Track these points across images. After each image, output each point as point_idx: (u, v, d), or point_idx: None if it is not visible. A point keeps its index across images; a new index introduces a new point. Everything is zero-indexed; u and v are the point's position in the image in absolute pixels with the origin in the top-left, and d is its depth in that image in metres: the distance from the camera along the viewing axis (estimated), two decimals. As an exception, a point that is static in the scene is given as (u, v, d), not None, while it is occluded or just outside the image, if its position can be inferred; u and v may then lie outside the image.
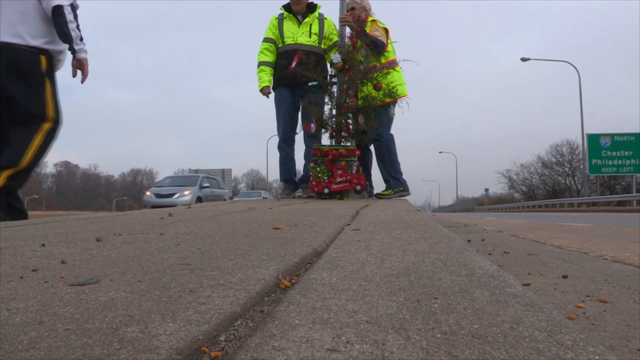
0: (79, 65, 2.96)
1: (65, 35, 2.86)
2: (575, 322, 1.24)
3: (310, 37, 4.50)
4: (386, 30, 4.55)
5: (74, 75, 3.00)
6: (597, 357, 0.57)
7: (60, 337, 0.61)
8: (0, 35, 2.73)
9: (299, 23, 4.55)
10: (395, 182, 4.65)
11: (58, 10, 2.77)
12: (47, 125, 2.93)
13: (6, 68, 2.79)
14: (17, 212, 2.83)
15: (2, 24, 2.74)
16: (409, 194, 4.78)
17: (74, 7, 2.85)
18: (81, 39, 2.89)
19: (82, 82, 3.05)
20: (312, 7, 4.61)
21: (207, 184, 15.53)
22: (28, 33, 2.80)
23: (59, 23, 2.83)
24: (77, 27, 2.84)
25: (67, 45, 2.94)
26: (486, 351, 0.58)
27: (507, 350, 0.58)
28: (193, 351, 0.60)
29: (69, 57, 3.03)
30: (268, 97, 4.58)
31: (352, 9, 4.58)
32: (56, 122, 2.98)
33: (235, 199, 23.52)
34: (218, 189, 16.47)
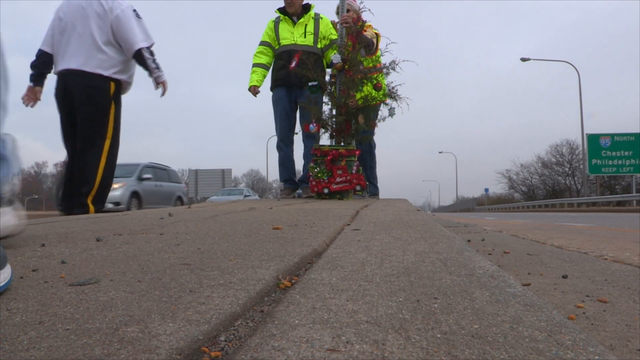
0: (161, 85, 3.64)
1: (146, 69, 3.56)
2: (575, 322, 1.24)
3: (305, 37, 4.53)
4: (377, 35, 4.59)
5: (156, 88, 3.65)
6: (597, 357, 0.57)
7: (60, 337, 0.61)
8: (81, 65, 3.42)
9: (294, 24, 4.58)
10: (373, 187, 4.99)
11: (138, 52, 3.48)
12: (107, 143, 3.51)
13: (81, 91, 3.44)
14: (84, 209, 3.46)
15: (83, 57, 3.42)
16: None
17: (149, 48, 3.52)
18: (158, 68, 3.56)
19: (162, 96, 3.69)
20: (307, 8, 4.64)
21: (149, 175, 11.13)
22: (102, 65, 3.44)
23: (141, 62, 3.54)
24: (154, 60, 3.53)
25: (133, 73, 3.65)
26: (486, 351, 0.58)
27: (507, 350, 0.58)
28: (193, 351, 0.60)
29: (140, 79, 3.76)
30: (255, 96, 4.67)
31: (348, 10, 4.63)
32: (114, 140, 3.56)
33: (211, 199, 19.61)
34: (167, 182, 12.12)
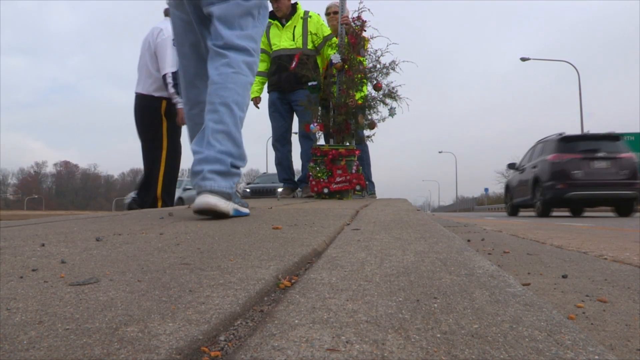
0: (178, 111, 4.14)
1: (168, 91, 4.16)
2: (575, 322, 1.24)
3: (294, 40, 4.56)
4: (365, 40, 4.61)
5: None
6: (596, 357, 0.57)
7: (60, 336, 0.61)
8: (140, 89, 4.27)
9: (283, 27, 4.60)
10: (371, 185, 5.15)
11: (164, 76, 4.11)
12: (164, 154, 4.16)
13: (139, 111, 4.27)
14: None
15: (142, 82, 4.26)
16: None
17: (174, 73, 4.01)
18: (177, 93, 3.99)
19: (178, 124, 4.20)
20: (295, 8, 4.66)
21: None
22: (154, 88, 4.18)
23: (164, 84, 4.14)
24: (174, 85, 4.01)
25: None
26: (486, 351, 0.58)
27: (506, 350, 0.58)
28: (193, 351, 0.60)
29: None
30: (258, 107, 4.75)
31: (335, 12, 4.67)
32: (169, 150, 4.18)
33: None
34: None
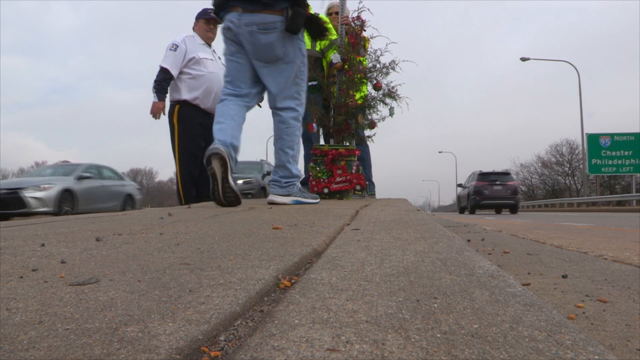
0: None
1: None
2: (575, 322, 1.24)
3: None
4: (365, 40, 4.61)
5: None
6: (596, 357, 0.57)
7: (60, 336, 0.61)
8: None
9: None
10: (371, 185, 5.17)
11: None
12: (177, 155, 4.40)
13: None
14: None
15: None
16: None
17: (162, 69, 4.26)
18: (154, 91, 4.27)
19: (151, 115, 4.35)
20: None
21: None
22: (170, 92, 4.41)
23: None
24: (156, 81, 4.27)
25: (196, 95, 4.35)
26: (486, 351, 0.58)
27: (506, 350, 0.58)
28: (193, 351, 0.60)
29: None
30: (260, 106, 4.75)
31: (337, 12, 4.67)
32: (180, 152, 4.38)
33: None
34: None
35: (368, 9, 4.54)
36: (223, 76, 4.29)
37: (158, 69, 4.29)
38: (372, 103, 4.47)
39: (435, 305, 0.76)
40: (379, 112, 4.60)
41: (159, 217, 2.17)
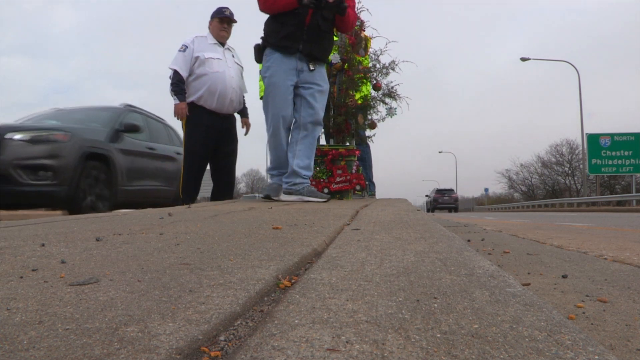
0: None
1: None
2: (575, 322, 1.24)
3: None
4: (367, 39, 4.62)
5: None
6: (596, 357, 0.57)
7: (60, 336, 0.61)
8: None
9: None
10: (372, 185, 5.22)
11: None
12: (183, 156, 4.57)
13: None
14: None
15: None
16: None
17: (175, 71, 4.33)
18: (173, 93, 4.33)
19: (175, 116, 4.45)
20: None
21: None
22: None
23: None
24: (172, 84, 4.32)
25: (199, 95, 4.38)
26: (486, 351, 0.58)
27: (506, 350, 0.58)
28: (193, 351, 0.60)
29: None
30: None
31: None
32: (185, 153, 4.52)
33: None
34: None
35: (367, 10, 4.54)
36: (232, 75, 4.48)
37: (171, 66, 4.38)
38: (372, 103, 4.47)
39: (435, 305, 0.76)
40: (379, 112, 4.61)
41: (159, 217, 2.17)
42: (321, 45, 3.31)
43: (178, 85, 4.30)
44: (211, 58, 4.37)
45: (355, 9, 3.33)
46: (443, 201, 32.83)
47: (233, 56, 4.61)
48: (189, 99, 4.37)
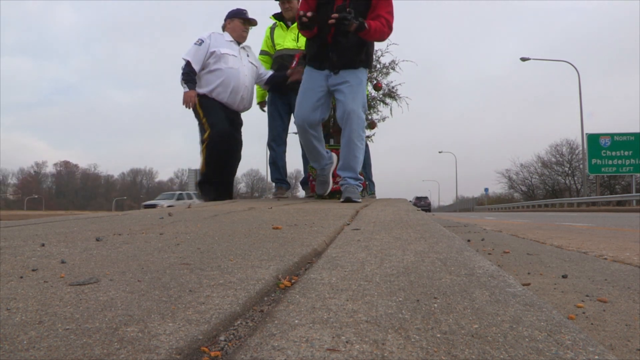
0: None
1: None
2: (575, 322, 1.24)
3: (298, 41, 4.57)
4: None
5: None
6: (596, 357, 0.57)
7: (60, 336, 0.61)
8: None
9: (288, 28, 4.61)
10: (371, 185, 5.15)
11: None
12: (204, 144, 4.40)
13: None
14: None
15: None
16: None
17: (187, 62, 4.33)
18: (183, 82, 4.31)
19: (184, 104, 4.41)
20: None
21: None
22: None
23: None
24: (183, 74, 4.33)
25: (212, 88, 4.40)
26: (486, 351, 0.58)
27: (506, 350, 0.58)
28: (193, 351, 0.60)
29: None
30: (263, 110, 4.82)
31: None
32: (209, 139, 4.38)
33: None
34: None
35: None
36: (246, 73, 4.49)
37: (184, 57, 4.37)
38: (372, 103, 4.47)
39: (435, 305, 0.76)
40: (379, 112, 4.61)
41: (159, 217, 2.17)
42: (346, 57, 3.43)
43: (189, 74, 4.31)
44: (227, 54, 4.41)
45: (386, 18, 3.35)
46: (420, 205, 43.12)
47: (248, 55, 4.63)
48: (202, 90, 4.37)
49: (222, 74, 4.37)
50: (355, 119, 3.39)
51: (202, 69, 4.38)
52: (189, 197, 26.14)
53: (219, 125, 4.36)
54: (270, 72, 4.63)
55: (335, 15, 3.17)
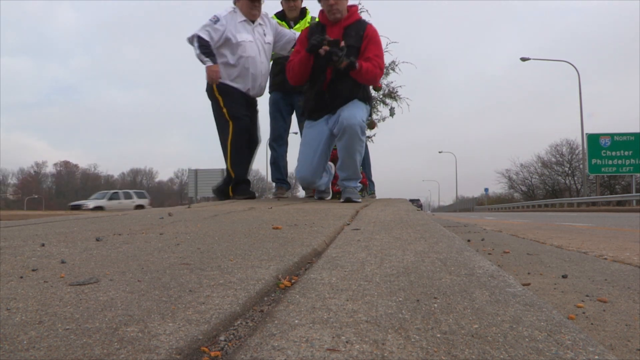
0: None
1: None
2: (575, 322, 1.24)
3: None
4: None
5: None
6: (596, 357, 0.57)
7: (60, 336, 0.61)
8: None
9: (290, 29, 4.60)
10: (371, 185, 5.16)
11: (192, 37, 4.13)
12: (230, 127, 4.13)
13: None
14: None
15: None
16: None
17: (199, 37, 4.05)
18: (203, 56, 4.04)
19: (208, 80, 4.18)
20: (303, 13, 4.65)
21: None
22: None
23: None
24: (200, 46, 4.05)
25: (232, 79, 4.19)
26: (486, 351, 0.58)
27: (506, 350, 0.58)
28: (193, 351, 0.60)
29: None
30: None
31: None
32: (232, 125, 4.14)
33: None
34: None
35: (367, 11, 4.54)
36: (263, 60, 4.28)
37: (195, 33, 4.11)
38: (372, 103, 4.46)
39: (435, 305, 0.76)
40: (379, 112, 4.61)
41: (159, 217, 2.17)
42: (343, 97, 3.52)
43: (207, 47, 4.04)
44: (244, 41, 4.17)
45: (376, 60, 3.41)
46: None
47: (265, 34, 4.34)
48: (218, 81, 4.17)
49: (240, 66, 4.17)
50: (354, 119, 3.43)
51: (218, 55, 4.13)
52: (127, 196, 24.50)
53: (241, 117, 4.16)
54: (292, 32, 4.37)
55: (326, 47, 3.22)
